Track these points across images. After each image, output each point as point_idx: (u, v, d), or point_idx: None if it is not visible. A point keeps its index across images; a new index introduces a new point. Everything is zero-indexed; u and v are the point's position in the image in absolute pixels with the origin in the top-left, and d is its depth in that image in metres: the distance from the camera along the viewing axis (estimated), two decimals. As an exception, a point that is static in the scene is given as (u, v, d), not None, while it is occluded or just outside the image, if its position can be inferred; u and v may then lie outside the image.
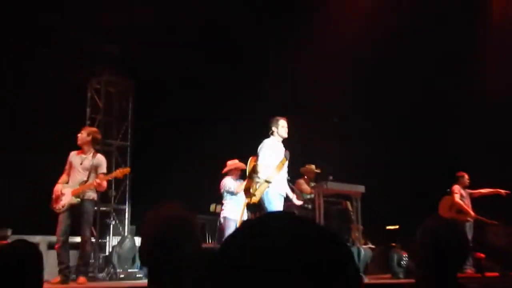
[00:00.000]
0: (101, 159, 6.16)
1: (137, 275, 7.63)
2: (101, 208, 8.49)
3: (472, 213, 8.22)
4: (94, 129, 6.60)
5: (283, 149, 6.29)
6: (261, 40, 9.58)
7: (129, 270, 7.69)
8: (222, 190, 7.35)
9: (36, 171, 7.68)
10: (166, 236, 1.79)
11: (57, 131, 7.96)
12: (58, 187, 6.04)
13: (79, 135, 6.19)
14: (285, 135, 6.28)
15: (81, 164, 6.05)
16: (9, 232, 7.00)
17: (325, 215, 7.26)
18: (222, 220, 7.33)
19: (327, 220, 7.35)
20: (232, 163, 7.38)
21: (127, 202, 9.09)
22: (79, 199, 5.92)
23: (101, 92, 9.22)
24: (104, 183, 6.04)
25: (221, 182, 7.37)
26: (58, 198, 5.95)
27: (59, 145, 7.04)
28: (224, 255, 0.88)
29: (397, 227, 9.77)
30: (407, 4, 9.80)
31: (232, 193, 7.24)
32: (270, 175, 6.04)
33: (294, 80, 10.07)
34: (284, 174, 6.33)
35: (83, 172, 6.02)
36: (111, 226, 8.72)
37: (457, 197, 8.31)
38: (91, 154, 6.11)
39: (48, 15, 8.34)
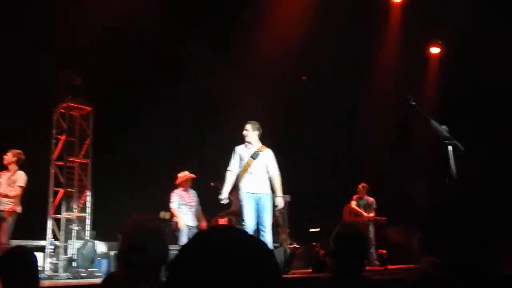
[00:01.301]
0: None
1: (96, 274, 8.79)
2: (65, 216, 9.70)
3: (365, 214, 9.84)
4: (18, 151, 7.35)
5: (251, 151, 6.74)
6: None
7: (89, 269, 8.89)
8: (172, 200, 8.07)
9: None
10: (138, 243, 2.04)
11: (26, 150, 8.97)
12: None
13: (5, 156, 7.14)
14: (245, 139, 6.80)
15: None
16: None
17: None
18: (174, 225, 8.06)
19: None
20: (182, 175, 8.18)
21: (88, 211, 10.22)
22: None
23: (65, 115, 10.40)
24: None
25: (172, 193, 8.05)
26: None
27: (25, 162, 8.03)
28: (176, 264, 1.05)
29: (318, 229, 11.36)
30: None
31: (182, 203, 8.00)
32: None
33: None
34: (252, 173, 6.67)
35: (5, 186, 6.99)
36: (74, 231, 9.88)
37: (353, 204, 10.01)
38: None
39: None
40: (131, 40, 10.26)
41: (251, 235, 1.13)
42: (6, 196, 6.89)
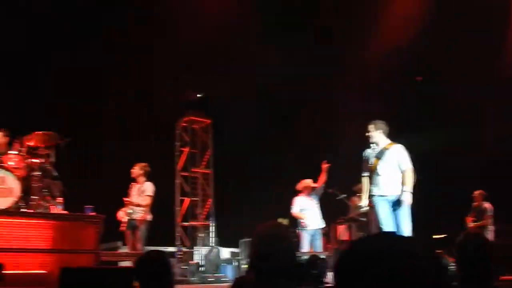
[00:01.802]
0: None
1: (222, 279, 9.17)
2: (191, 223, 10.24)
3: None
4: (144, 164, 7.84)
5: (376, 151, 6.41)
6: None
7: (215, 275, 9.28)
8: (293, 206, 8.40)
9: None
10: (266, 249, 2.06)
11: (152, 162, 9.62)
12: None
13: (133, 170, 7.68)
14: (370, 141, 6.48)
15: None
16: (119, 243, 8.74)
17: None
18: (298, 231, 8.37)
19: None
20: (304, 183, 8.45)
21: (212, 219, 10.72)
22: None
23: (187, 129, 11.06)
24: None
25: (294, 200, 8.46)
26: None
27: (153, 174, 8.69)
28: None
29: (443, 236, 10.65)
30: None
31: (302, 209, 8.33)
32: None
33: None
34: (381, 175, 6.32)
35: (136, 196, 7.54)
36: (200, 238, 10.40)
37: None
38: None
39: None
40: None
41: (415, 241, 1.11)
42: (138, 205, 7.43)
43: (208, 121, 11.24)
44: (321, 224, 8.49)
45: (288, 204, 8.51)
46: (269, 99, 11.11)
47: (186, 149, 10.95)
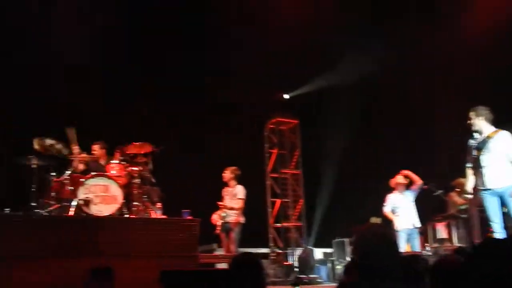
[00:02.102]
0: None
1: (318, 280, 9.15)
2: (283, 225, 10.32)
3: None
4: (234, 167, 8.07)
5: (479, 141, 6.00)
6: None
7: (310, 276, 9.28)
8: (385, 204, 8.19)
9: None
10: (371, 251, 2.07)
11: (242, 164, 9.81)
12: None
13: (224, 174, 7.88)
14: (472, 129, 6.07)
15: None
16: (215, 246, 9.01)
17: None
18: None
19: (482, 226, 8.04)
20: (394, 179, 8.18)
21: (303, 219, 10.73)
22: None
23: (275, 130, 11.15)
24: None
25: (386, 197, 8.24)
26: None
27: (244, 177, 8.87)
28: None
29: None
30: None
31: (396, 207, 8.08)
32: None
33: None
34: (484, 166, 5.90)
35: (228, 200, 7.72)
36: (293, 239, 10.46)
37: None
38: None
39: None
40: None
41: None
42: (232, 208, 7.63)
43: (296, 121, 11.25)
44: (417, 223, 8.10)
45: (382, 203, 8.31)
46: (358, 95, 10.90)
47: (274, 151, 11.03)
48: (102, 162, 7.35)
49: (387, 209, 8.12)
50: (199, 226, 6.75)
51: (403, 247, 7.90)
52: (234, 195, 7.71)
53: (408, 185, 8.15)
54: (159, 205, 7.20)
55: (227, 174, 7.89)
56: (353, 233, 2.31)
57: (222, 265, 7.00)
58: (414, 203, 8.15)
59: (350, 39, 9.80)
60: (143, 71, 9.92)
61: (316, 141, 11.12)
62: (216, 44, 10.44)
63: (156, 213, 7.08)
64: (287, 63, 10.33)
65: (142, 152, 7.39)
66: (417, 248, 8.08)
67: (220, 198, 7.87)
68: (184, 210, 7.06)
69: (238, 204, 7.63)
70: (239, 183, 7.86)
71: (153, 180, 7.38)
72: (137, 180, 7.07)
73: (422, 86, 10.61)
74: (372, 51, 9.78)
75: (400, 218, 7.95)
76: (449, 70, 10.25)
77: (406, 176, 8.14)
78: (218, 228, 7.66)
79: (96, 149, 7.48)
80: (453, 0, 10.21)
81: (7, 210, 6.06)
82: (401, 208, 8.04)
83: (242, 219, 7.65)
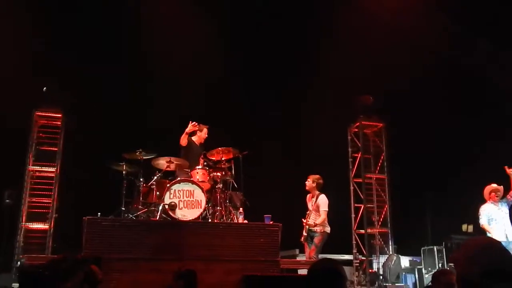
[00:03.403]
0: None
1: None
2: (367, 231, 10.07)
3: None
4: (317, 176, 7.85)
5: None
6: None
7: (396, 284, 8.97)
8: (480, 216, 7.65)
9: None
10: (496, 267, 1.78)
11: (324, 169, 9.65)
12: None
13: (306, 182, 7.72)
14: None
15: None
16: (296, 251, 8.97)
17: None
18: None
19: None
20: (487, 188, 7.70)
21: (389, 225, 10.40)
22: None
23: (359, 134, 10.92)
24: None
25: (480, 208, 7.70)
26: None
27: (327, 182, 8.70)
28: None
29: None
30: None
31: (491, 218, 7.53)
32: None
33: None
34: None
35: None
36: (377, 246, 10.17)
37: None
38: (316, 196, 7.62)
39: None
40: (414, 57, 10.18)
41: None
42: (315, 225, 7.47)
43: (381, 124, 10.95)
44: (510, 236, 7.46)
45: (475, 210, 7.83)
46: (447, 95, 10.43)
47: (358, 155, 10.81)
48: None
49: (483, 221, 7.59)
50: (280, 231, 6.77)
51: None
52: (318, 207, 7.55)
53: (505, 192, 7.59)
54: (241, 210, 7.31)
55: (309, 183, 7.75)
56: (465, 246, 1.91)
57: (304, 271, 6.96)
58: (508, 214, 7.57)
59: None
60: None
61: (403, 144, 10.76)
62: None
63: (239, 218, 7.19)
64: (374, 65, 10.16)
65: (226, 158, 7.54)
66: None
67: (304, 205, 7.80)
68: (265, 215, 7.12)
69: (321, 217, 7.50)
70: (322, 191, 7.73)
71: (236, 185, 7.50)
72: (220, 185, 7.23)
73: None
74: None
75: (494, 232, 7.41)
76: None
77: (497, 190, 7.58)
78: (304, 236, 7.58)
79: None
80: None
81: (99, 214, 6.44)
82: (495, 221, 7.53)
83: (327, 229, 7.51)
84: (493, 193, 7.60)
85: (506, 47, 9.91)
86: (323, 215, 7.44)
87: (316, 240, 7.41)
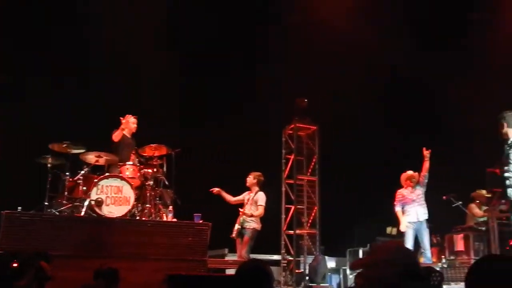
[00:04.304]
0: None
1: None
2: (296, 232, 10.24)
3: None
4: (259, 173, 7.95)
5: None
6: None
7: (321, 285, 9.18)
8: (395, 203, 8.06)
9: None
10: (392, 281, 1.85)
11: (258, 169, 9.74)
12: None
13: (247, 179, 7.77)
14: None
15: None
16: (226, 251, 8.97)
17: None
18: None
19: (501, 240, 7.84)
20: (404, 176, 8.08)
21: (317, 227, 10.62)
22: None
23: (293, 136, 11.08)
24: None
25: (396, 194, 8.09)
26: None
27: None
28: None
29: None
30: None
31: (405, 204, 7.94)
32: None
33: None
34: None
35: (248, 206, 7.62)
36: (305, 247, 10.36)
37: None
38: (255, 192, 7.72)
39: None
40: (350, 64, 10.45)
41: None
42: (251, 215, 7.54)
43: (314, 127, 11.16)
44: (425, 216, 7.90)
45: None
46: (379, 101, 10.80)
47: (291, 157, 10.96)
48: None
49: (397, 209, 8.00)
50: (210, 230, 6.74)
51: (411, 244, 7.69)
52: (255, 202, 7.61)
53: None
54: (171, 208, 7.21)
55: (250, 179, 7.80)
56: (377, 249, 2.09)
57: (232, 271, 6.96)
58: (423, 197, 7.96)
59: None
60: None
61: (335, 147, 11.05)
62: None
63: (168, 216, 7.09)
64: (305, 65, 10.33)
65: (158, 155, 7.41)
66: (427, 242, 7.86)
67: (237, 205, 7.81)
68: (196, 214, 7.07)
69: (259, 211, 7.56)
70: (261, 189, 7.77)
71: (167, 182, 7.39)
72: (150, 182, 7.10)
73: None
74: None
75: (407, 215, 7.88)
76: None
77: (412, 177, 7.97)
78: (235, 232, 7.59)
79: None
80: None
81: (19, 208, 6.14)
82: (408, 205, 7.93)
83: (259, 226, 7.57)
84: (407, 181, 8.01)
85: (432, 49, 10.37)
86: (260, 209, 7.53)
87: (246, 238, 7.44)
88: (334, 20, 10.22)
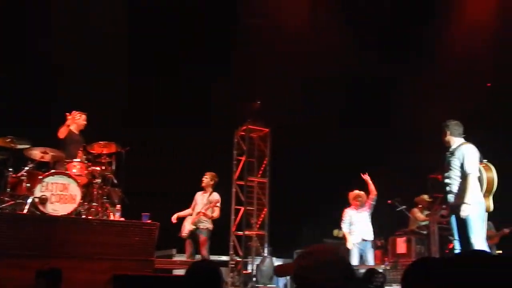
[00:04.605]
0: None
1: (276, 290, 9.15)
2: (245, 233, 10.29)
3: None
4: (214, 173, 8.01)
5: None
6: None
7: (268, 285, 9.25)
8: (343, 219, 8.41)
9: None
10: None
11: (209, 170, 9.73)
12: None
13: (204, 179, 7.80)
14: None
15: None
16: (173, 251, 8.90)
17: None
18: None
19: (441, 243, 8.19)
20: (351, 194, 8.39)
21: (266, 228, 10.72)
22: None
23: (245, 138, 11.13)
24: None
25: (343, 212, 8.44)
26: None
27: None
28: None
29: None
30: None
31: (352, 223, 8.25)
32: None
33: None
34: (445, 180, 5.89)
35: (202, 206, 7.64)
36: (254, 248, 10.43)
37: None
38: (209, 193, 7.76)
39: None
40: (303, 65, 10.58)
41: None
42: (205, 215, 7.55)
43: (267, 130, 11.25)
44: (370, 236, 8.31)
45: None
46: (324, 107, 11.01)
47: (243, 158, 11.01)
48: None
49: (344, 227, 8.36)
50: (158, 230, 6.67)
51: (356, 261, 8.02)
52: (210, 202, 7.61)
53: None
54: (118, 207, 7.09)
55: (207, 180, 7.79)
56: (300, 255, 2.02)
57: (180, 272, 6.92)
58: (369, 217, 8.33)
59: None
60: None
61: (286, 150, 11.17)
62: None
63: (115, 215, 6.97)
64: (262, 71, 10.39)
65: (107, 152, 7.27)
66: (371, 261, 8.19)
67: (187, 204, 7.78)
68: (144, 213, 6.98)
69: (216, 212, 7.59)
70: (214, 190, 7.78)
71: (115, 181, 7.26)
72: (98, 180, 6.95)
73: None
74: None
75: (353, 236, 8.20)
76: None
77: (358, 196, 8.29)
78: (186, 233, 7.56)
79: None
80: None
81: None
82: (356, 224, 8.25)
83: (211, 226, 7.62)
84: (354, 200, 8.35)
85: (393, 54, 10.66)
86: (217, 211, 7.59)
87: (203, 238, 7.49)
88: (289, 23, 10.33)
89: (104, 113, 9.36)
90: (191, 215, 7.71)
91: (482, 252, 1.40)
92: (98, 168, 7.06)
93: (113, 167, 7.27)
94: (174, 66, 10.63)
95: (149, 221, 6.87)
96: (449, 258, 1.43)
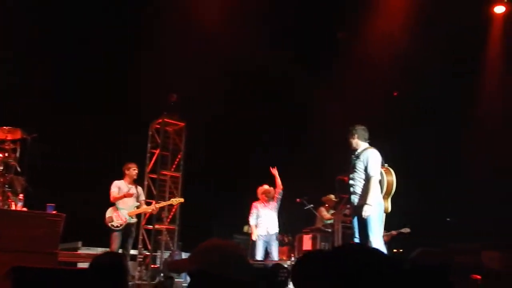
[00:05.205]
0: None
1: (183, 284, 9.13)
2: (155, 227, 10.19)
3: None
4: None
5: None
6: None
7: (176, 280, 9.22)
8: (251, 214, 8.68)
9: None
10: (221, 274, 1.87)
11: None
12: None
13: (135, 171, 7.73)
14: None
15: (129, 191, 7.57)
16: (79, 244, 8.63)
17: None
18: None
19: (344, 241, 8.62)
20: (260, 189, 8.71)
21: (177, 222, 10.67)
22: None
23: (160, 131, 11.00)
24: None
25: (251, 206, 8.71)
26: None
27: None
28: None
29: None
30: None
31: (260, 216, 8.57)
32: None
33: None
34: (350, 182, 6.23)
35: (134, 199, 7.60)
36: (163, 242, 10.36)
37: None
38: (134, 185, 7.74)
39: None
40: (222, 60, 10.62)
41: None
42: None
43: (182, 124, 11.19)
44: (275, 229, 8.60)
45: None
46: (241, 105, 11.16)
47: (157, 151, 10.88)
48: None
49: (251, 221, 8.64)
50: (63, 222, 6.45)
51: (261, 255, 8.27)
52: (138, 196, 7.64)
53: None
54: (21, 196, 6.76)
55: (136, 171, 7.71)
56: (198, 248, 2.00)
57: (84, 265, 6.74)
58: (276, 211, 8.65)
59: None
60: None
61: (201, 145, 11.19)
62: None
63: (17, 205, 6.65)
64: (179, 64, 10.29)
65: (11, 138, 6.91)
66: (276, 255, 8.46)
67: (97, 194, 7.61)
68: (49, 204, 6.71)
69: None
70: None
71: (19, 169, 6.91)
72: (0, 168, 6.61)
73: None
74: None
75: (259, 227, 8.52)
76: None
77: (267, 192, 8.62)
78: (121, 226, 7.39)
79: None
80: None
81: None
82: (262, 217, 8.56)
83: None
84: (263, 195, 8.69)
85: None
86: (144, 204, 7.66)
87: (134, 233, 7.61)
88: (207, 18, 10.31)
89: (9, 97, 8.87)
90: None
91: (354, 245, 1.69)
92: (0, 155, 6.71)
93: (17, 154, 6.93)
94: (95, 53, 10.23)
95: (54, 212, 6.62)
96: (328, 251, 1.67)
